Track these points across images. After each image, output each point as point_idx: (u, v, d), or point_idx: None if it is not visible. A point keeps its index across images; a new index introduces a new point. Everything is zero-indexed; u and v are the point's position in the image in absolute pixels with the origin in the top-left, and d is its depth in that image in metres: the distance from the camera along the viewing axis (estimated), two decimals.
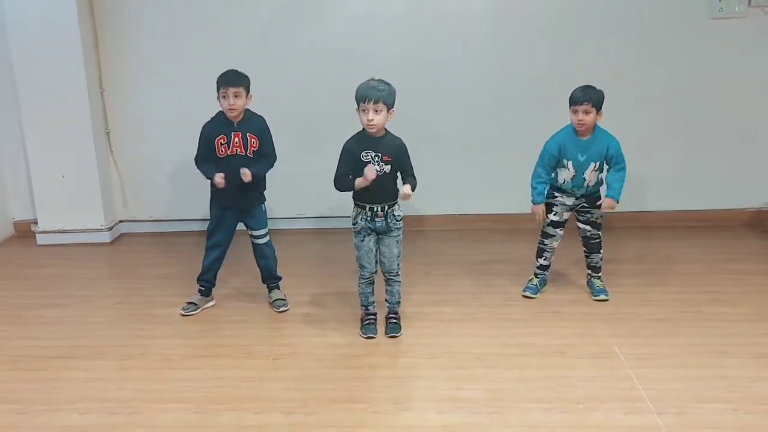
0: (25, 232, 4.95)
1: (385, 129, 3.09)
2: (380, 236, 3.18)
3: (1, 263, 4.52)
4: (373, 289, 3.29)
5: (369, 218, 3.12)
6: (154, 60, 4.72)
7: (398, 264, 3.22)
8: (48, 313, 3.61)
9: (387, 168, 3.06)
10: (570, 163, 3.41)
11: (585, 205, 3.53)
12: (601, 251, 3.63)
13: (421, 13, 4.61)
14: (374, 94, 2.95)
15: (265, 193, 3.56)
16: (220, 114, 3.40)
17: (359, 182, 3.03)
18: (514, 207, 4.76)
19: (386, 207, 3.11)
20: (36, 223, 4.88)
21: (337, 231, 4.77)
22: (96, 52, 4.70)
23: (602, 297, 3.59)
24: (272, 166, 3.46)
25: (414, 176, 3.12)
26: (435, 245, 4.61)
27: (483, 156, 4.78)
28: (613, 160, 3.40)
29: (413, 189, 3.07)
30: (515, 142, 4.57)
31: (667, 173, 4.81)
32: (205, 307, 3.61)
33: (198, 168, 3.43)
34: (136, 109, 4.82)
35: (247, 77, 3.36)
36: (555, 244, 3.65)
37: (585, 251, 3.66)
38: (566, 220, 3.60)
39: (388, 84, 3.02)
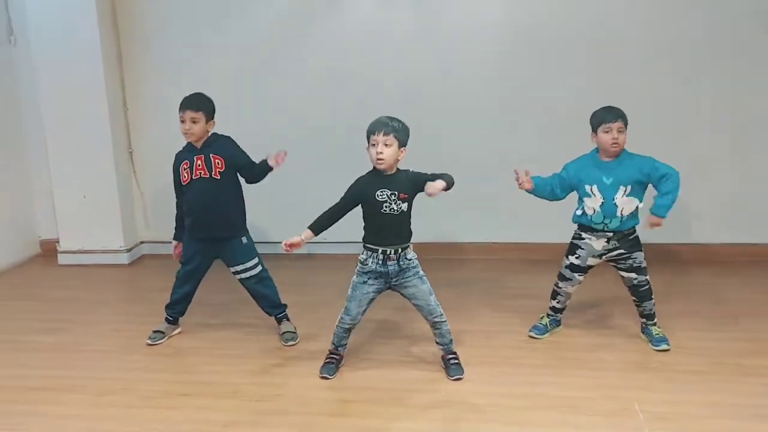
0: (50, 251, 4.92)
1: (397, 167, 2.88)
2: (394, 285, 2.94)
3: (20, 283, 4.50)
4: (349, 334, 3.07)
5: (381, 262, 2.89)
6: (180, 78, 4.59)
7: (436, 302, 2.97)
8: (45, 338, 3.52)
9: (404, 206, 2.85)
10: (594, 187, 3.09)
11: (622, 251, 3.16)
12: (653, 296, 3.24)
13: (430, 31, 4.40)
14: (384, 127, 2.78)
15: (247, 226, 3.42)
16: (188, 142, 3.30)
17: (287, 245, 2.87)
18: (536, 236, 4.47)
19: (399, 249, 2.88)
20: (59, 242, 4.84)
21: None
22: (120, 70, 4.65)
23: (663, 347, 3.18)
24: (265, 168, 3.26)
25: (445, 174, 2.83)
26: (446, 275, 4.23)
27: (496, 182, 4.46)
28: (656, 175, 3.04)
29: (450, 185, 2.80)
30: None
31: (715, 203, 4.39)
32: (171, 335, 3.47)
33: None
34: (161, 128, 4.72)
35: (210, 103, 3.25)
36: (570, 289, 3.31)
37: (635, 300, 3.27)
38: (590, 267, 3.24)
39: (401, 121, 2.84)
